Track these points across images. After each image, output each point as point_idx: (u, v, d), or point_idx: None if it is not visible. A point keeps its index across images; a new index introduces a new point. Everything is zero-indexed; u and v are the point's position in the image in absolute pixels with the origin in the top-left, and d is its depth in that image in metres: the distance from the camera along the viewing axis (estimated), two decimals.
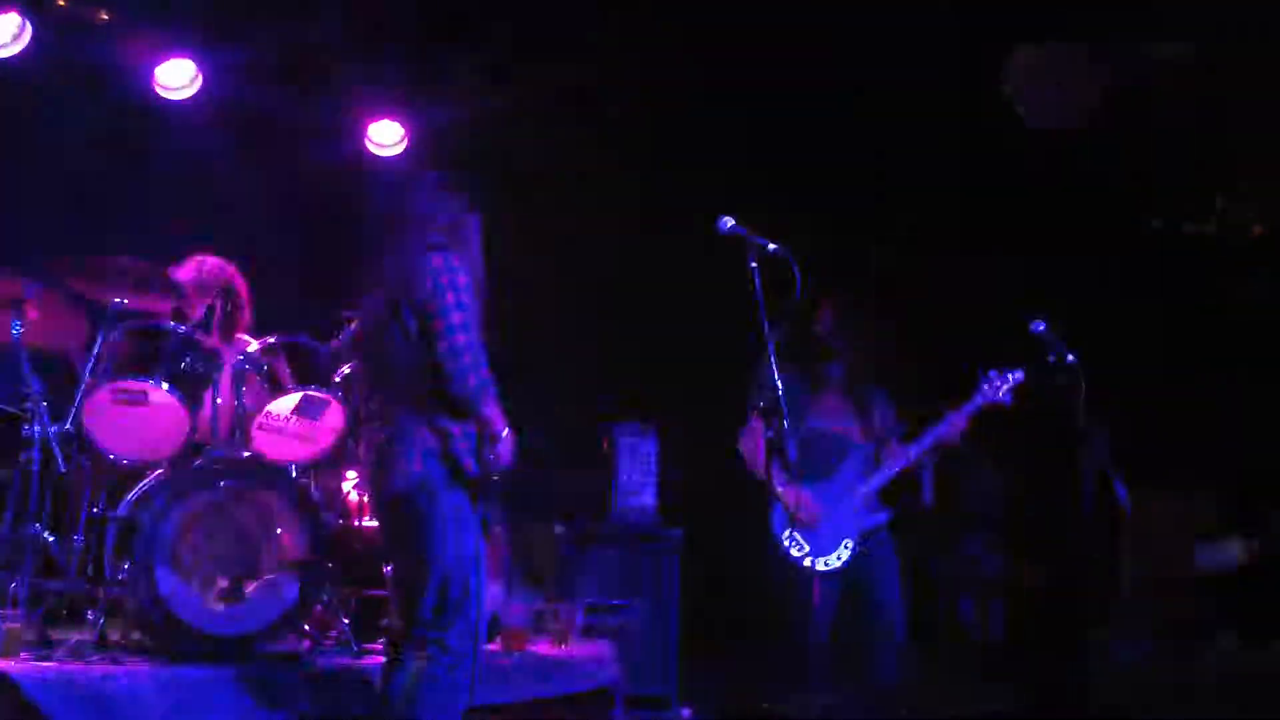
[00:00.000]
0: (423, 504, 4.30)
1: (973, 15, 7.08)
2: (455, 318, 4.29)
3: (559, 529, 6.96)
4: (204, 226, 6.83)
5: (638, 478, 7.24)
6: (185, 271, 5.91)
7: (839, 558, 5.67)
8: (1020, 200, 7.81)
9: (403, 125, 7.61)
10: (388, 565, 4.72)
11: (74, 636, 4.95)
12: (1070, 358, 5.41)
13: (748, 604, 6.72)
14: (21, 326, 5.24)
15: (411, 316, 4.34)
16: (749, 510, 5.79)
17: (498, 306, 4.59)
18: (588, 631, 6.36)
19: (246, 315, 6.06)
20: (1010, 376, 5.81)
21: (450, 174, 4.69)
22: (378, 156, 7.64)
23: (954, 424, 5.74)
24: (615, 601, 6.91)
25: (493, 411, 4.38)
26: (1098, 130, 7.44)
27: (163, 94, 7.00)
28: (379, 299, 4.48)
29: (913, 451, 5.80)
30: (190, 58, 6.97)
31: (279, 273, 6.52)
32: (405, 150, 7.64)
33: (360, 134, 7.60)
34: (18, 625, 4.73)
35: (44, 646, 4.90)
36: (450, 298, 4.30)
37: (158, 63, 6.96)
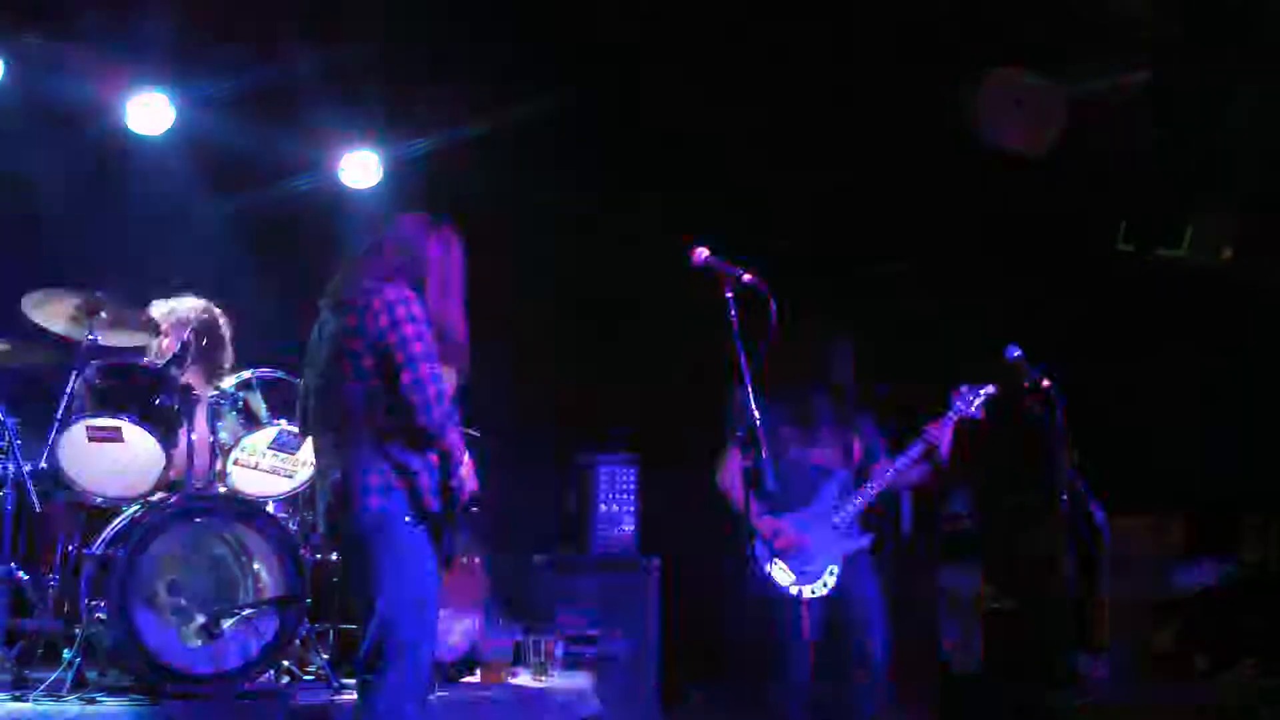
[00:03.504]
0: (377, 543, 4.16)
1: (940, 46, 7.13)
2: (416, 349, 4.17)
3: (538, 559, 6.94)
4: (179, 260, 6.84)
5: (617, 508, 7.23)
6: (161, 309, 5.90)
7: (825, 584, 5.67)
8: (992, 227, 7.86)
9: (377, 157, 7.60)
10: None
11: (50, 676, 4.91)
12: (1045, 383, 5.43)
13: (729, 633, 6.73)
14: None
15: (367, 350, 4.21)
16: (729, 539, 5.80)
17: (478, 337, 4.55)
18: (568, 663, 6.34)
19: (228, 355, 6.03)
20: (982, 391, 5.85)
21: (416, 203, 4.60)
22: (352, 189, 7.63)
23: (931, 440, 5.76)
24: (595, 632, 6.90)
25: (455, 439, 4.31)
26: (1066, 155, 7.49)
27: (136, 129, 6.98)
28: (328, 332, 4.34)
29: (893, 470, 5.81)
30: (163, 93, 6.95)
31: (254, 306, 6.50)
32: (380, 182, 7.63)
33: (335, 166, 7.59)
34: None
35: (20, 686, 4.87)
36: (410, 329, 4.18)
37: (131, 98, 6.94)
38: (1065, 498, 5.41)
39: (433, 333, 4.27)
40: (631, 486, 7.30)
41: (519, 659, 6.10)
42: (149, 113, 6.96)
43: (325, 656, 5.47)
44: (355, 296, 4.29)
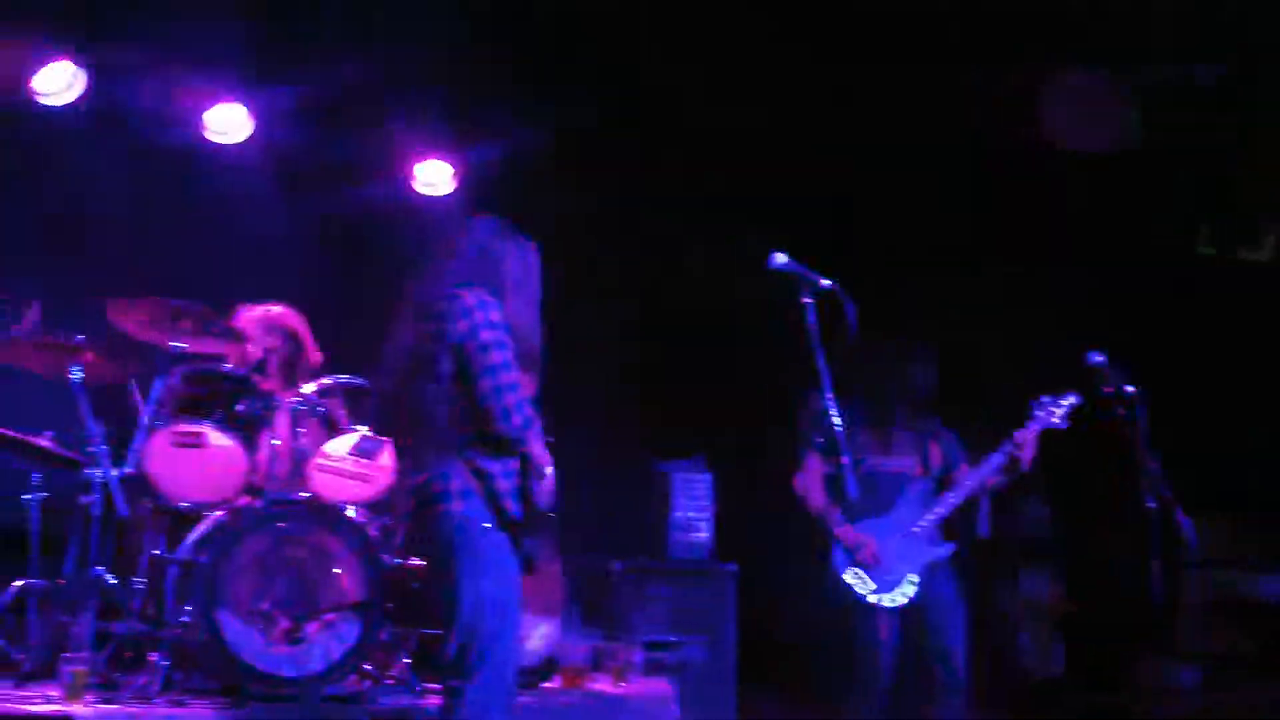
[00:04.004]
0: (458, 548, 4.17)
1: (1016, 47, 7.07)
2: (495, 356, 4.18)
3: (615, 566, 6.94)
4: (258, 268, 6.92)
5: (693, 513, 7.22)
6: (246, 316, 5.97)
7: (904, 594, 5.63)
8: (1071, 230, 7.77)
9: (451, 164, 7.65)
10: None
11: (138, 679, 4.98)
12: (1129, 388, 5.36)
13: (806, 640, 6.69)
14: (82, 371, 5.31)
15: (445, 356, 4.21)
16: (805, 545, 5.77)
17: (552, 343, 4.56)
18: (647, 669, 6.34)
19: (310, 360, 6.09)
20: (1064, 401, 5.78)
21: (491, 212, 4.59)
22: (426, 196, 7.68)
23: (1014, 449, 5.70)
24: (673, 638, 6.90)
25: (538, 448, 4.32)
26: (1146, 156, 7.40)
27: (213, 139, 7.06)
28: (407, 338, 4.36)
29: (973, 479, 5.76)
30: (241, 102, 7.01)
31: (333, 313, 6.55)
32: (454, 189, 7.68)
33: (409, 174, 7.64)
34: (83, 668, 4.77)
35: (109, 689, 4.94)
36: (488, 335, 4.19)
37: (208, 108, 7.01)
38: (1152, 504, 5.33)
39: (510, 338, 4.29)
40: (707, 492, 7.29)
41: (598, 665, 6.10)
42: (228, 122, 7.03)
43: (406, 660, 5.50)
44: (433, 302, 4.31)
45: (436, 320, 4.25)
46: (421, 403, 4.25)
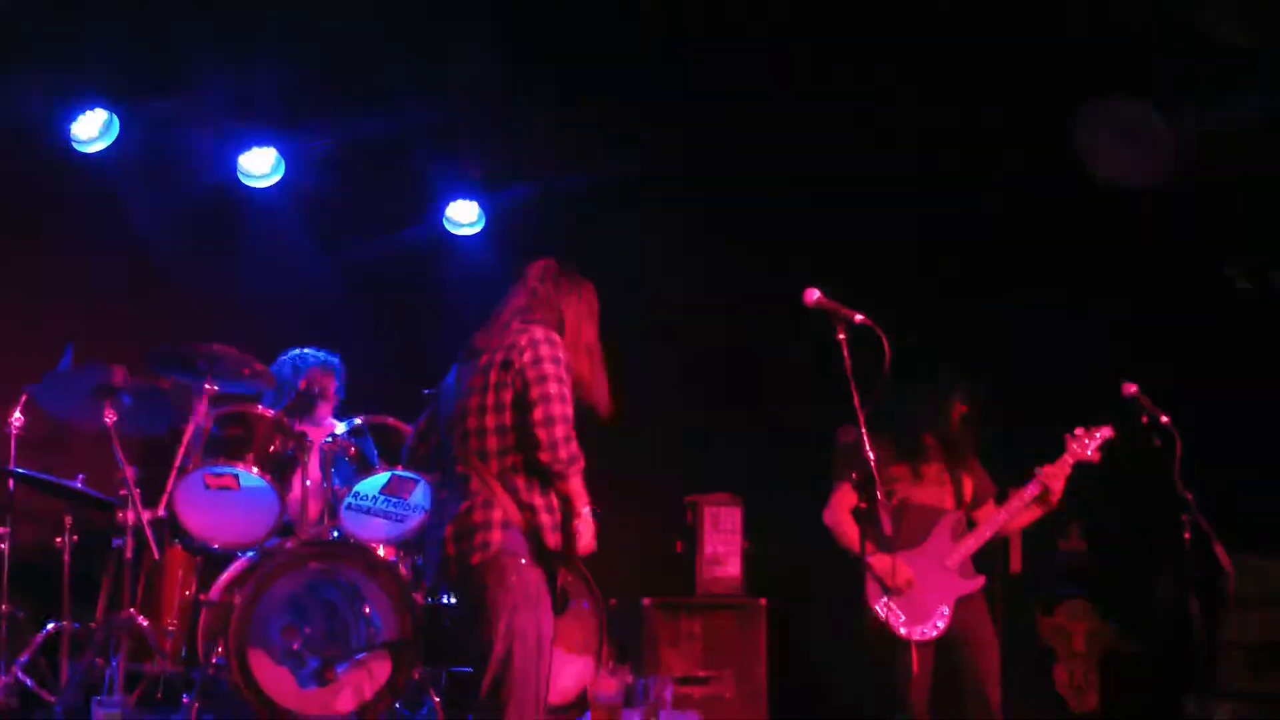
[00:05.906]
0: (494, 579, 4.18)
1: (1049, 73, 7.04)
2: (553, 388, 4.23)
3: (646, 602, 6.92)
4: (289, 310, 6.95)
5: (722, 549, 7.20)
6: (278, 363, 6.01)
7: (935, 626, 5.59)
8: (1106, 261, 7.73)
9: (480, 204, 7.68)
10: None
11: None
12: (1164, 419, 5.32)
13: (837, 674, 6.65)
14: (115, 414, 5.34)
15: (506, 386, 4.27)
16: (837, 579, 5.73)
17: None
18: (678, 705, 6.30)
19: (340, 403, 6.13)
20: (1098, 433, 5.73)
21: (551, 255, 4.63)
22: (457, 236, 7.72)
23: (1046, 483, 5.66)
24: (704, 674, 6.87)
25: (579, 486, 4.32)
26: (1179, 184, 7.35)
27: (246, 182, 7.11)
28: (470, 370, 4.40)
29: (1005, 513, 5.72)
30: (273, 145, 7.06)
31: (363, 354, 6.58)
32: (484, 229, 7.71)
33: (439, 214, 7.68)
34: (115, 710, 4.78)
35: None
36: (550, 368, 4.25)
37: (241, 151, 7.06)
38: (1187, 535, 5.28)
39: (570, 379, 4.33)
40: (737, 527, 7.27)
41: (629, 701, 6.07)
42: (260, 166, 7.08)
43: (436, 699, 5.50)
44: (500, 337, 4.36)
45: (503, 351, 4.31)
46: (476, 430, 4.30)
